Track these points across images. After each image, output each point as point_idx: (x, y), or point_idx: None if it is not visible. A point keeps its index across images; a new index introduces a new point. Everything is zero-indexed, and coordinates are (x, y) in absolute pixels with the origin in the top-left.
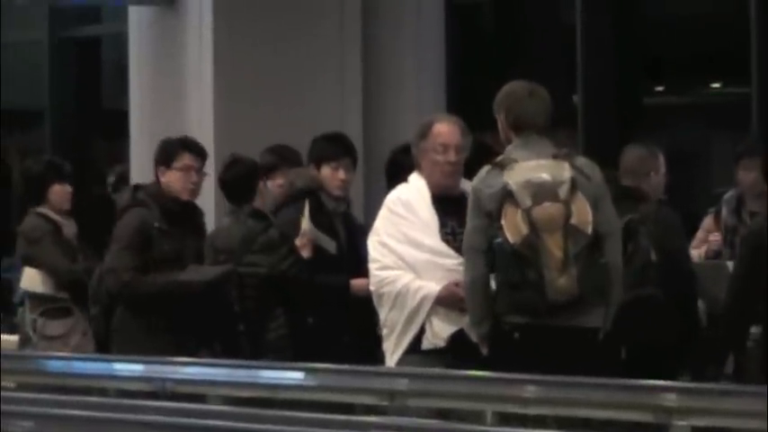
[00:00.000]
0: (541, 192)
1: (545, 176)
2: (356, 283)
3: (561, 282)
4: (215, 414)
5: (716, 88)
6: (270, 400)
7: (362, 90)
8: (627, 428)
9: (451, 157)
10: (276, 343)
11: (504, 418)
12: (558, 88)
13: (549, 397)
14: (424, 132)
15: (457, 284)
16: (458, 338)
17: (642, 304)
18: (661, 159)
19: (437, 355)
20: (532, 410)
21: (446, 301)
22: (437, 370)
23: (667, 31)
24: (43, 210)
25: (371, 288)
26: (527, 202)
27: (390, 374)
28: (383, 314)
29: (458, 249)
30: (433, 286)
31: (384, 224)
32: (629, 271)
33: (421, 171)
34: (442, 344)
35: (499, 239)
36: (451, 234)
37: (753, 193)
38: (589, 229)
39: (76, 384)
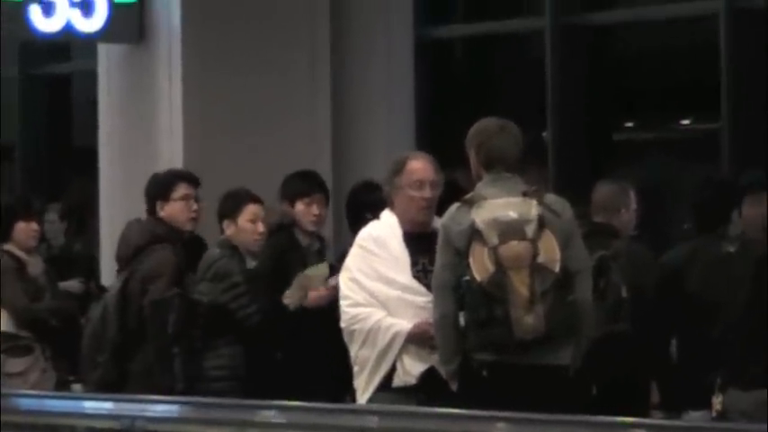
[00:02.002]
0: (508, 230)
1: (512, 215)
2: (311, 296)
3: (528, 320)
4: None
5: (686, 124)
6: None
7: (332, 128)
8: None
9: (427, 193)
10: (212, 373)
11: None
12: (528, 125)
13: None
14: (398, 169)
15: (429, 323)
16: (429, 376)
17: (613, 340)
18: (632, 195)
19: (408, 393)
20: None
21: (417, 339)
22: (407, 407)
23: (637, 67)
24: (8, 247)
25: (342, 325)
26: (494, 240)
27: (360, 411)
28: (354, 351)
29: (429, 287)
30: (404, 324)
31: (355, 261)
32: (601, 307)
33: (393, 208)
34: (413, 381)
35: (467, 277)
36: (423, 271)
37: (756, 228)
38: (557, 267)
39: (45, 422)
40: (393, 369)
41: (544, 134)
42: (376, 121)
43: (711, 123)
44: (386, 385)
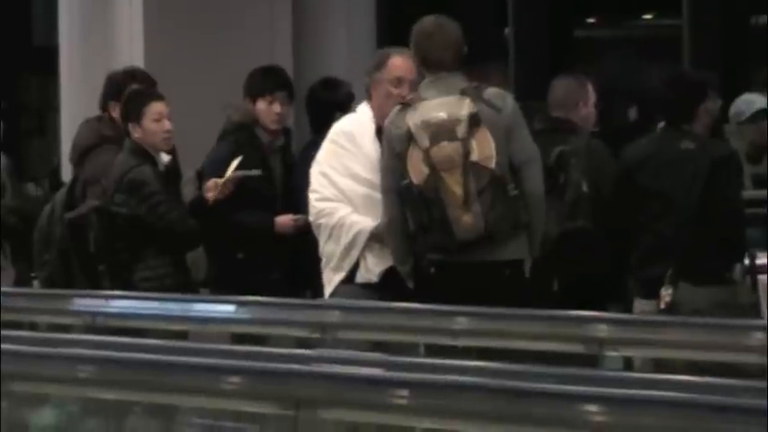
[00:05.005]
0: (438, 131)
1: (442, 115)
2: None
3: (466, 219)
4: (146, 348)
5: (647, 20)
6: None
7: (293, 26)
8: (558, 359)
9: (405, 91)
10: (139, 285)
11: (433, 350)
12: (488, 22)
13: (479, 329)
14: (380, 63)
15: None
16: (390, 275)
17: (573, 237)
18: (590, 89)
19: (371, 290)
20: (462, 342)
21: (380, 238)
22: (368, 302)
23: None
24: None
25: (310, 219)
26: (425, 142)
27: (322, 307)
28: (321, 244)
29: None
30: (368, 222)
31: (326, 155)
32: (562, 203)
33: (370, 102)
34: (374, 279)
35: (406, 181)
36: None
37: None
38: (491, 164)
39: (6, 319)
40: (357, 266)
41: (505, 30)
42: (337, 19)
43: (672, 19)
44: (350, 279)
